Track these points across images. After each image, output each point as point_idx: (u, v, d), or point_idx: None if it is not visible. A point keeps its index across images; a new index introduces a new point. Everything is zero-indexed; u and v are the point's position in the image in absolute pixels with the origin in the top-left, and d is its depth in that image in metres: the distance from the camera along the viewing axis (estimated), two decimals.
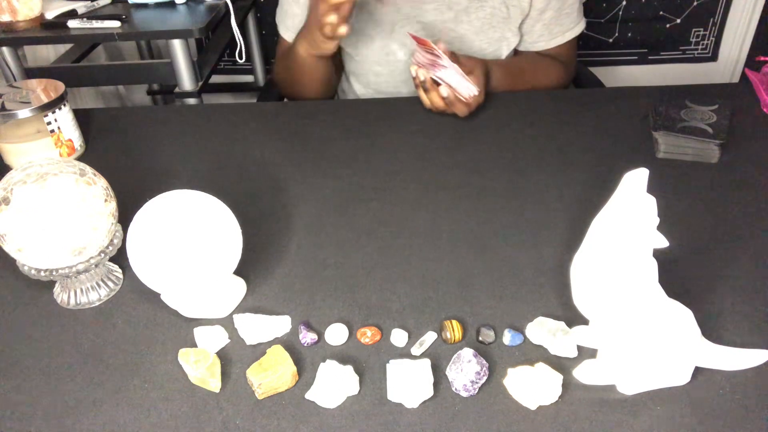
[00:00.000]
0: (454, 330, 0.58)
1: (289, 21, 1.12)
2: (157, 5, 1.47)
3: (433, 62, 0.91)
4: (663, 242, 0.49)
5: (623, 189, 0.48)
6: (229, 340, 0.60)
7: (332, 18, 0.89)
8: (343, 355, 0.58)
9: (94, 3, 1.44)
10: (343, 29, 0.91)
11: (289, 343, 0.59)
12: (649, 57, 2.01)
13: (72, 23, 1.35)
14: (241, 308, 0.64)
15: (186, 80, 1.41)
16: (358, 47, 1.12)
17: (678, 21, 1.93)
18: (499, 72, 1.05)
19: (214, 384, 0.55)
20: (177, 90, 1.43)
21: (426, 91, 0.94)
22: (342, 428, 0.52)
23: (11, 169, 0.62)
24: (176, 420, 0.53)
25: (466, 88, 0.90)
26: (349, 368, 0.55)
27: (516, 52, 1.17)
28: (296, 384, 0.55)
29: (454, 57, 0.92)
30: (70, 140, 0.90)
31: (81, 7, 1.41)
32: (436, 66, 0.90)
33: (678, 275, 0.65)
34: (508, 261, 0.69)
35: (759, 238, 0.71)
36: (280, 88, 1.21)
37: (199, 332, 0.60)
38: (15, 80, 1.38)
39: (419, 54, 0.93)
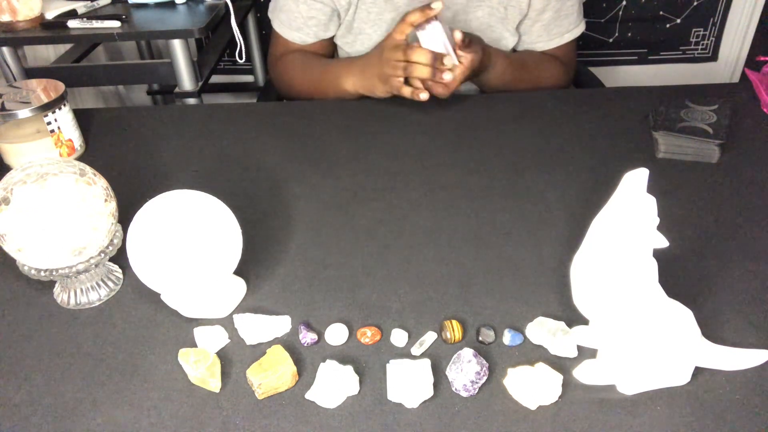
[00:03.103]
0: (454, 330, 0.58)
1: (284, 16, 1.11)
2: (157, 5, 1.47)
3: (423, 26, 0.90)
4: (663, 242, 0.49)
5: (623, 189, 0.48)
6: (229, 340, 0.60)
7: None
8: (343, 355, 0.58)
9: (94, 3, 1.44)
10: (424, 96, 0.91)
11: (289, 343, 0.59)
12: (649, 57, 2.01)
13: (72, 23, 1.35)
14: (241, 308, 0.64)
15: (186, 80, 1.41)
16: (356, 47, 1.12)
17: (678, 21, 1.93)
18: (501, 61, 1.04)
19: (214, 384, 0.55)
20: (177, 90, 1.43)
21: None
22: (342, 428, 0.52)
23: (11, 169, 0.62)
24: (176, 420, 0.53)
25: (444, 47, 0.90)
26: (349, 368, 0.55)
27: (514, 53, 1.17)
28: (296, 384, 0.55)
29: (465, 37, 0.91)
30: (70, 140, 0.90)
31: (81, 7, 1.41)
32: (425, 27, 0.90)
33: (678, 275, 0.65)
34: (508, 261, 0.69)
35: (759, 239, 0.71)
36: (279, 88, 1.21)
37: (199, 332, 0.60)
38: (15, 80, 1.38)
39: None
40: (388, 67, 0.93)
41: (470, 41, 0.92)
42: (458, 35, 0.90)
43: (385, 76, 0.94)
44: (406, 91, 0.93)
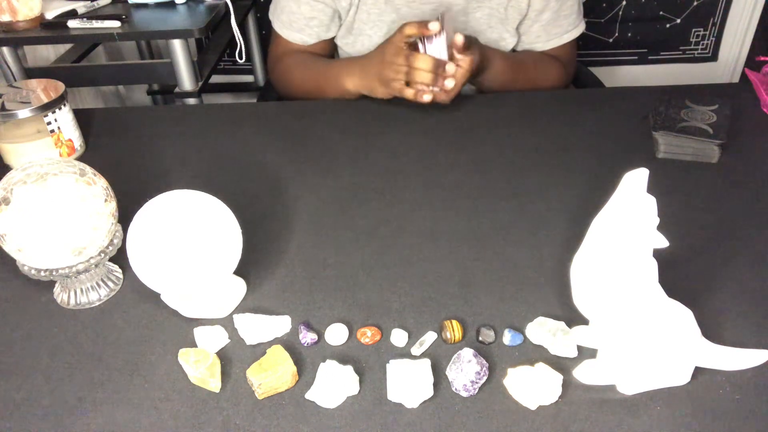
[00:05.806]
0: (454, 330, 0.58)
1: (285, 17, 1.11)
2: (157, 5, 1.47)
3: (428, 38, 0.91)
4: (663, 242, 0.49)
5: (623, 189, 0.48)
6: (229, 340, 0.60)
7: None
8: (343, 355, 0.58)
9: (94, 3, 1.44)
10: (428, 97, 0.91)
11: (289, 343, 0.59)
12: (649, 57, 2.01)
13: (72, 23, 1.35)
14: (241, 308, 0.64)
15: (186, 80, 1.41)
16: (356, 47, 1.12)
17: (678, 21, 1.93)
18: (499, 60, 1.03)
19: (214, 384, 0.55)
20: (177, 90, 1.43)
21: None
22: (342, 428, 0.52)
23: (11, 169, 0.62)
24: (176, 420, 0.53)
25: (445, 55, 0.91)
26: (349, 368, 0.55)
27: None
28: (296, 384, 0.55)
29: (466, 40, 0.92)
30: (70, 140, 0.90)
31: (81, 7, 1.41)
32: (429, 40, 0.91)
33: (678, 275, 0.65)
34: (508, 261, 0.69)
35: (759, 238, 0.71)
36: (279, 89, 1.20)
37: (199, 332, 0.60)
38: (15, 80, 1.38)
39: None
40: (389, 70, 0.93)
41: (469, 43, 0.93)
42: (459, 39, 0.89)
43: (386, 79, 0.94)
44: (409, 93, 0.93)
